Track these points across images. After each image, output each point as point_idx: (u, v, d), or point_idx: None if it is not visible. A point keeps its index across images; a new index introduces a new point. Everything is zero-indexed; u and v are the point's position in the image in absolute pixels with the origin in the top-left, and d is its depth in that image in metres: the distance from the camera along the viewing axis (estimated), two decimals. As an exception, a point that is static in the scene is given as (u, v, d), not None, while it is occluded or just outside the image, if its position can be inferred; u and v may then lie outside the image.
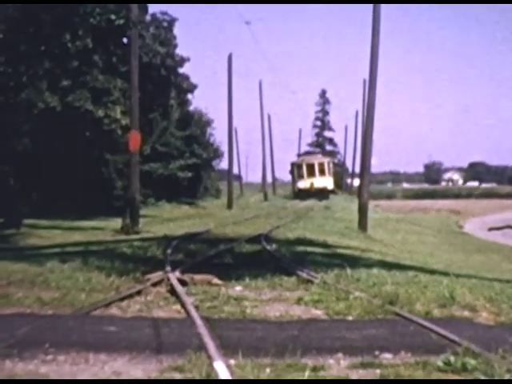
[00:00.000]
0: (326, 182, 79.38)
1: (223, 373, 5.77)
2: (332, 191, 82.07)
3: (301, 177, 80.00)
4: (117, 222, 30.19)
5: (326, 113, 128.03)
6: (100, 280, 11.41)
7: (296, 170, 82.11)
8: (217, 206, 60.20)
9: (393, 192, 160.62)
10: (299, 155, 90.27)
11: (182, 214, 47.73)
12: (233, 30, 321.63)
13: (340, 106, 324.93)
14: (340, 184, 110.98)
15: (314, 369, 6.36)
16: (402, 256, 24.44)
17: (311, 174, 79.06)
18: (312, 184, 77.61)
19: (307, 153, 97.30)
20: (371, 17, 33.52)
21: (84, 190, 39.96)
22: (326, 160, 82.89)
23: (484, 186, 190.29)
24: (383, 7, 33.88)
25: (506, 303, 10.02)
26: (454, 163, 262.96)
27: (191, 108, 66.45)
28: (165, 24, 51.06)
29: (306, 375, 6.14)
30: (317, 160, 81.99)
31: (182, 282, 11.06)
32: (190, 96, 62.93)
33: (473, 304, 9.82)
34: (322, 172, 79.19)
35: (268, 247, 18.62)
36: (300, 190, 78.75)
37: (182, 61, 52.29)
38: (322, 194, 75.11)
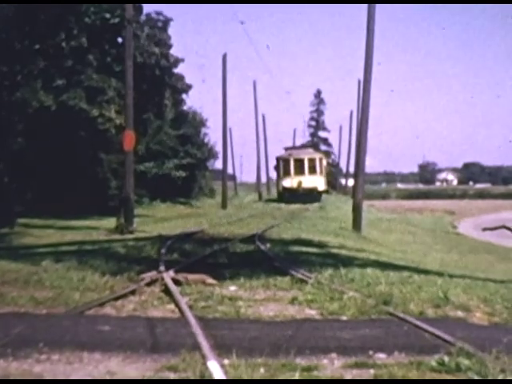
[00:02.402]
0: (317, 181, 67.77)
1: (217, 372, 5.78)
2: (323, 192, 71.18)
3: (287, 174, 67.87)
4: (111, 222, 30.16)
5: (320, 113, 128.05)
6: (94, 279, 11.41)
7: (282, 165, 69.41)
8: (211, 206, 60.15)
9: (387, 192, 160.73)
10: (287, 149, 76.13)
11: (176, 213, 47.68)
12: (227, 30, 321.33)
13: (335, 106, 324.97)
14: (334, 184, 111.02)
15: (308, 369, 6.37)
16: (396, 256, 24.47)
17: (300, 171, 67.36)
18: (300, 183, 66.36)
19: (296, 146, 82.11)
20: (366, 17, 33.62)
21: (78, 189, 39.88)
22: (317, 156, 71.32)
23: (478, 186, 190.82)
24: (378, 7, 33.96)
25: (499, 303, 10.05)
26: (449, 163, 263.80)
27: (185, 108, 66.48)
28: (159, 24, 51.04)
29: (300, 375, 6.16)
30: (307, 155, 69.87)
31: (176, 282, 11.06)
32: (184, 96, 62.97)
33: (467, 304, 9.84)
34: (312, 169, 67.60)
35: (262, 247, 18.64)
36: (285, 190, 67.35)
37: (177, 61, 52.26)
38: (311, 195, 65.32)
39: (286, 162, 68.62)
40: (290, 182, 67.16)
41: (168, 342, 7.22)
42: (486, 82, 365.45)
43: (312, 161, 68.49)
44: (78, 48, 29.09)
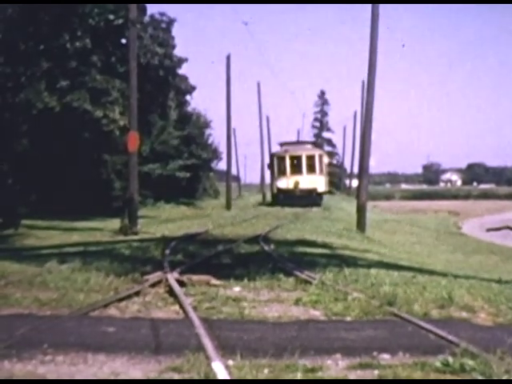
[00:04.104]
0: (317, 181, 58.79)
1: (221, 373, 5.78)
2: (324, 194, 62.49)
3: (282, 173, 58.99)
4: (115, 223, 30.15)
5: (324, 114, 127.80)
6: (98, 281, 11.40)
7: (276, 163, 60.22)
8: (215, 207, 60.08)
9: (391, 193, 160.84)
10: (282, 144, 65.65)
11: (180, 214, 47.66)
12: (231, 31, 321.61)
13: (339, 106, 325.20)
14: (338, 185, 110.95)
15: (313, 369, 6.37)
16: (400, 257, 24.44)
17: (297, 170, 58.74)
18: (297, 184, 57.70)
19: (293, 142, 69.66)
20: (370, 17, 33.58)
21: (82, 190, 39.92)
22: (317, 152, 61.89)
23: (482, 186, 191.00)
24: (382, 7, 33.92)
25: (504, 304, 10.03)
26: (453, 164, 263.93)
27: (190, 109, 66.49)
28: (163, 25, 51.08)
29: (304, 376, 6.15)
30: (305, 152, 60.49)
31: (181, 283, 11.06)
32: (188, 97, 63.02)
33: (471, 305, 9.83)
34: (311, 168, 58.79)
35: (266, 248, 18.61)
36: (280, 191, 58.77)
37: (180, 61, 52.29)
38: (310, 197, 57.14)
39: (281, 159, 60.06)
40: (285, 183, 58.76)
41: (172, 342, 7.23)
42: (490, 83, 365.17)
43: (311, 158, 59.69)
44: (81, 49, 29.16)
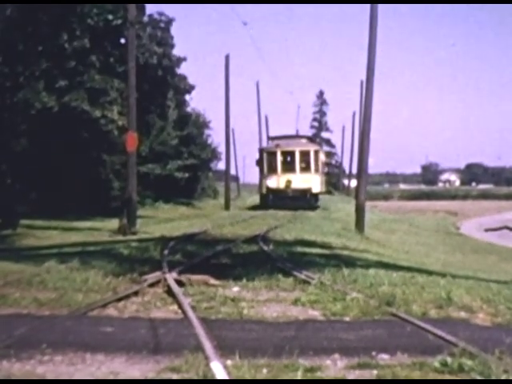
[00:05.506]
0: (311, 180, 51.55)
1: (220, 373, 5.77)
2: (320, 194, 55.20)
3: (273, 171, 51.88)
4: (114, 223, 30.15)
5: (323, 114, 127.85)
6: (97, 280, 11.39)
7: (266, 159, 52.82)
8: (214, 207, 60.10)
9: (390, 193, 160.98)
10: (273, 138, 58.60)
11: (179, 214, 47.66)
12: (230, 31, 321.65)
13: (337, 106, 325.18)
14: (337, 185, 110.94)
15: (311, 369, 6.37)
16: (398, 257, 24.44)
17: (289, 167, 51.69)
18: (289, 183, 50.74)
19: (285, 136, 59.28)
20: (368, 17, 33.57)
21: (81, 190, 39.91)
22: (312, 148, 54.23)
23: (480, 187, 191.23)
24: (381, 7, 33.91)
25: (502, 304, 10.03)
26: (451, 164, 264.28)
27: (189, 109, 66.54)
28: (162, 24, 51.13)
29: (303, 376, 6.15)
30: (299, 147, 53.07)
31: (179, 283, 11.06)
32: (187, 97, 63.03)
33: (470, 305, 9.83)
34: (305, 165, 51.81)
35: (265, 248, 18.59)
36: (270, 191, 51.63)
37: (179, 61, 52.31)
38: (303, 198, 50.53)
39: (272, 155, 52.76)
40: (275, 182, 51.66)
41: (171, 342, 7.23)
42: (489, 83, 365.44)
43: (305, 154, 52.44)
44: (80, 49, 29.17)
